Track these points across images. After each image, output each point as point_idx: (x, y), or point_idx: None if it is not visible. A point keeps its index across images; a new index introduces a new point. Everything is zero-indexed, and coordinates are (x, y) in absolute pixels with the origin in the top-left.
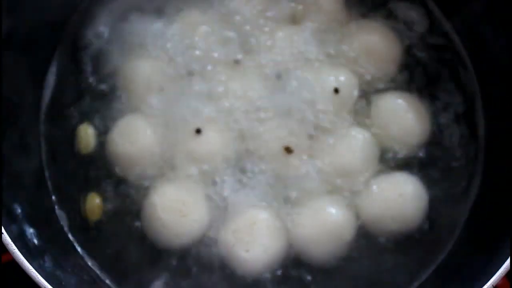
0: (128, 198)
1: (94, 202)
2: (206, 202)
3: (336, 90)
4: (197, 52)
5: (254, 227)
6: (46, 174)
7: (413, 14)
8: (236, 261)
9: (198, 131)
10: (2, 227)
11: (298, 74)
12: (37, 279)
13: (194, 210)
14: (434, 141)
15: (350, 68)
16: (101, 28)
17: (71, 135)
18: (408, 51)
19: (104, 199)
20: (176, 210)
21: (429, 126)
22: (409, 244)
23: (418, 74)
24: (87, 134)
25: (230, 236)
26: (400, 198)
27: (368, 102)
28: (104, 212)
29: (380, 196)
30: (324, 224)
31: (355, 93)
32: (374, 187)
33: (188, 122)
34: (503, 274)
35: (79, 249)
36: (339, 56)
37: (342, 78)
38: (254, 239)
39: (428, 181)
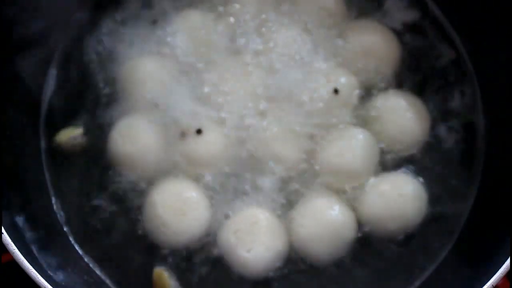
0: (128, 197)
1: None
2: (206, 201)
3: (336, 91)
4: (197, 53)
5: (255, 226)
6: (46, 174)
7: (413, 14)
8: (238, 261)
9: (199, 131)
10: (2, 227)
11: (299, 74)
12: (37, 279)
13: (194, 209)
14: (434, 141)
15: (349, 67)
16: (101, 29)
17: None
18: (407, 50)
19: (105, 199)
20: (177, 209)
21: (428, 125)
22: (409, 243)
23: (417, 73)
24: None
25: (231, 236)
26: (400, 198)
27: (368, 102)
28: (104, 211)
29: (380, 196)
30: (325, 224)
31: (355, 93)
32: (374, 187)
33: (189, 122)
34: (503, 274)
35: (79, 249)
36: (339, 55)
37: (342, 78)
38: (255, 239)
39: (428, 181)
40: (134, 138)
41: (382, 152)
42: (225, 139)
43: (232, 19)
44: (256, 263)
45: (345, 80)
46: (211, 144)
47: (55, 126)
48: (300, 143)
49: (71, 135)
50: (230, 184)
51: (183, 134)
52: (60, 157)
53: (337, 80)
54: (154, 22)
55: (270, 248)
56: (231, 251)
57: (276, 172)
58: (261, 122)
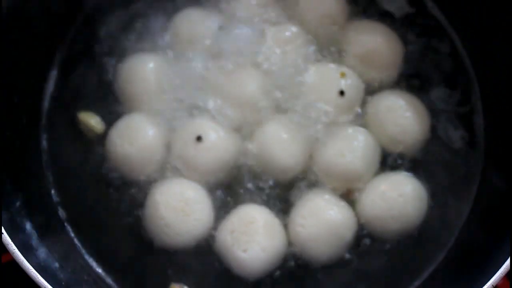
0: (129, 197)
1: None
2: (208, 201)
3: (342, 92)
4: (197, 53)
5: (251, 226)
6: (47, 174)
7: (413, 14)
8: (234, 262)
9: (199, 138)
10: (2, 227)
11: (302, 76)
12: (37, 279)
13: (196, 209)
14: (434, 141)
15: (353, 68)
16: (102, 28)
17: (72, 134)
18: (407, 50)
19: (106, 199)
20: (179, 209)
21: (428, 125)
22: (409, 244)
23: (417, 73)
24: (90, 119)
25: (228, 237)
26: (400, 198)
27: (368, 102)
28: (105, 211)
29: (381, 196)
30: (325, 224)
31: (361, 95)
32: (374, 187)
33: (189, 124)
34: (503, 274)
35: (79, 249)
36: (342, 56)
37: (347, 80)
38: (251, 239)
39: (428, 181)
40: (133, 138)
41: (382, 152)
42: (225, 141)
43: (232, 19)
44: (253, 263)
45: (350, 82)
46: (212, 147)
47: (55, 127)
48: (301, 144)
49: (91, 119)
50: (231, 185)
51: (198, 138)
52: (61, 157)
53: (342, 81)
54: (154, 22)
55: (266, 248)
56: (228, 251)
57: (276, 172)
58: (263, 123)
